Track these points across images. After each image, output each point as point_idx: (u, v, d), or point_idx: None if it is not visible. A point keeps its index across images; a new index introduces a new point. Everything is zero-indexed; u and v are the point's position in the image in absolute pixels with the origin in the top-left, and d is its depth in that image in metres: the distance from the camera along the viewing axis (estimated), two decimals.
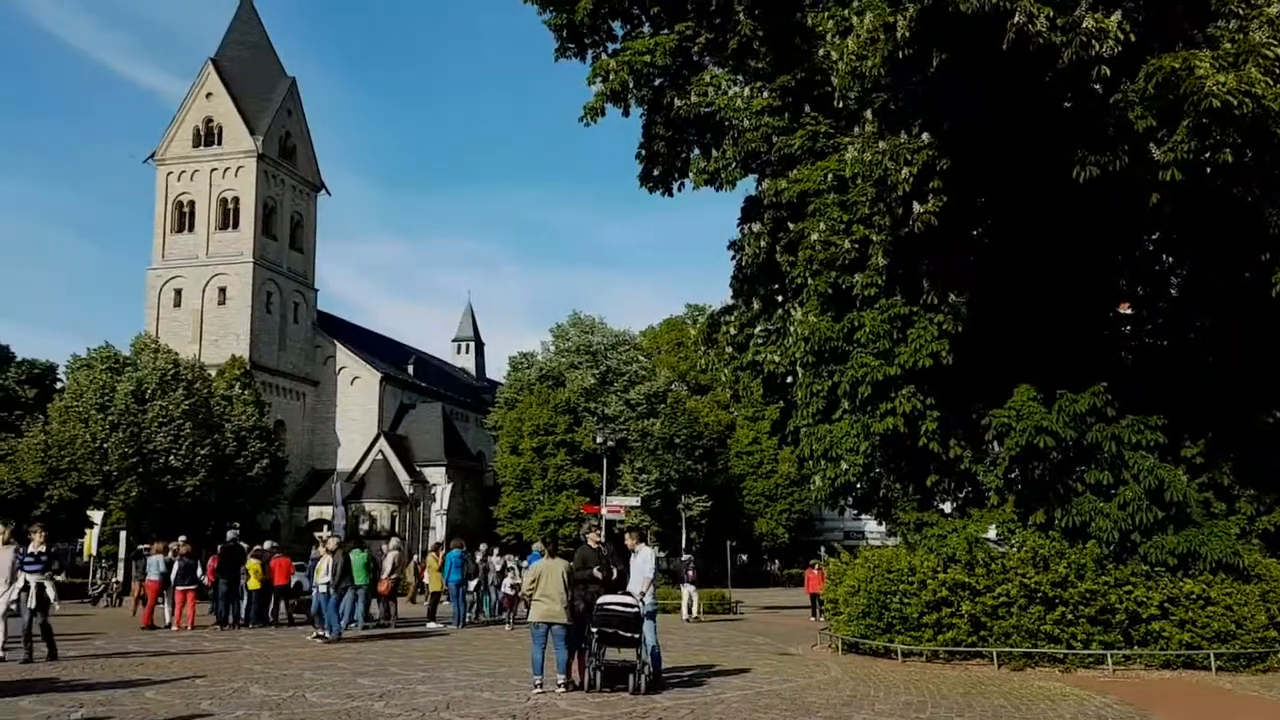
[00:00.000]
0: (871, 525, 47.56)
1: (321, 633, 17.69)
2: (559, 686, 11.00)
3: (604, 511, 34.35)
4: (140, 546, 29.35)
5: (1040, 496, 14.74)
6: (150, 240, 62.35)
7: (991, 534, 15.41)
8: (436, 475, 62.31)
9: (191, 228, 61.85)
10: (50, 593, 13.81)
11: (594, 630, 11.13)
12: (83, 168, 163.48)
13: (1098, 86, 12.08)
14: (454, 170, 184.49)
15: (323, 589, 17.81)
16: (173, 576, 20.68)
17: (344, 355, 66.08)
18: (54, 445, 42.85)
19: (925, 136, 13.01)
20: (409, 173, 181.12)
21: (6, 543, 14.04)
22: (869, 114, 13.82)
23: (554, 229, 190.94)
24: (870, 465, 15.73)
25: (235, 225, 61.40)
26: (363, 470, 61.49)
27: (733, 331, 17.23)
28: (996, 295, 14.94)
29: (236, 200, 61.73)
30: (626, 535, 12.76)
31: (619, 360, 54.75)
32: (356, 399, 65.32)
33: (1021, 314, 15.11)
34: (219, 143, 62.41)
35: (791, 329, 15.35)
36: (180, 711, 9.58)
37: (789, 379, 16.37)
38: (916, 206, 13.15)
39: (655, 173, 17.30)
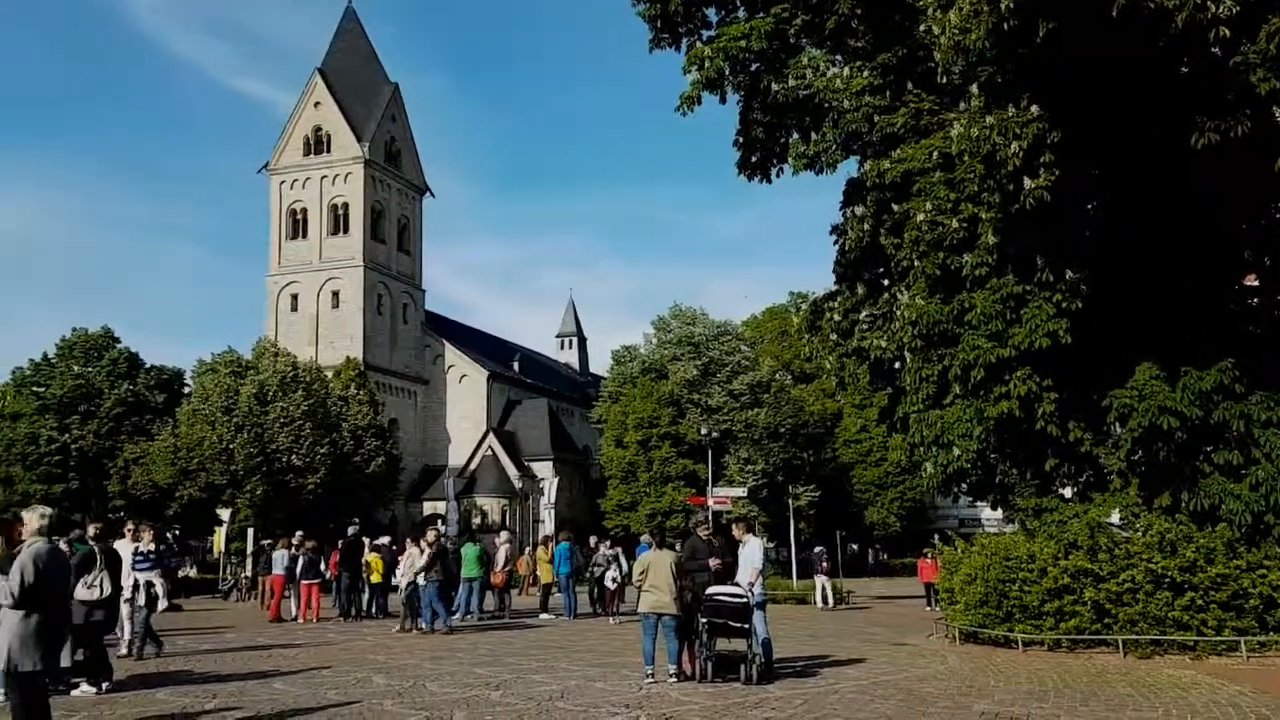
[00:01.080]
0: (987, 512, 46.29)
1: (419, 625, 17.99)
2: (670, 677, 11.01)
3: (710, 503, 34.30)
4: (263, 542, 30.57)
5: (1165, 479, 14.09)
6: (267, 248, 64.86)
7: (1114, 518, 14.83)
8: (544, 469, 63.23)
9: (305, 234, 64.05)
10: (158, 590, 14.21)
11: (704, 621, 11.10)
12: (201, 181, 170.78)
13: (1216, 49, 11.44)
14: (553, 168, 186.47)
15: (423, 583, 18.05)
16: (297, 571, 21.45)
17: (452, 354, 67.55)
18: (183, 447, 44.91)
19: (1034, 109, 12.54)
20: (509, 172, 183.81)
21: (134, 539, 14.58)
22: (974, 88, 13.39)
23: (653, 222, 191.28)
24: (984, 451, 15.28)
25: (345, 230, 63.36)
26: (473, 466, 62.77)
27: (837, 318, 16.93)
28: (1114, 271, 14.33)
29: (346, 206, 63.67)
30: (734, 526, 12.69)
31: (721, 351, 54.54)
32: (465, 396, 66.72)
33: (1141, 290, 14.45)
34: (328, 150, 64.44)
35: (898, 313, 15.01)
36: (307, 702, 9.92)
37: (897, 364, 16.02)
38: (1027, 182, 12.69)
39: (753, 159, 17.09)
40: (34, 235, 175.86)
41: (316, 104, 65.10)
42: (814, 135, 15.66)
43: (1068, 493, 16.20)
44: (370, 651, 14.77)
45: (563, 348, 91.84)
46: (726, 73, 15.71)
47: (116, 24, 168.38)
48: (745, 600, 11.14)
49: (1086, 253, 14.01)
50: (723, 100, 16.05)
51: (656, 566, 11.32)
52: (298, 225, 64.43)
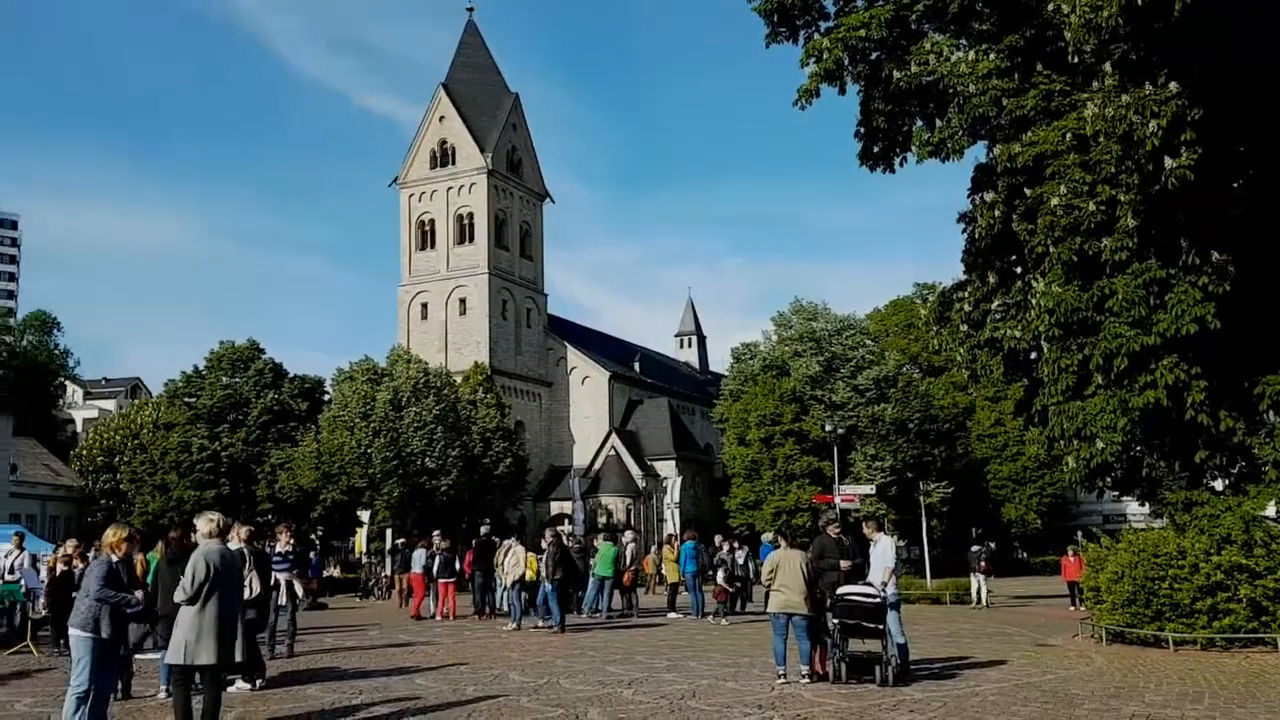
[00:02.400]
0: (1133, 507, 44.26)
1: (535, 623, 18.22)
2: (803, 678, 10.90)
3: (838, 500, 33.79)
4: (399, 542, 31.61)
5: None
6: (397, 259, 67.09)
7: (1270, 511, 14.01)
8: (667, 469, 63.45)
9: (433, 244, 66.00)
10: (298, 589, 14.75)
11: (836, 621, 10.95)
12: (335, 196, 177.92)
13: None
14: (671, 169, 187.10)
15: (549, 584, 18.23)
16: (434, 570, 22.11)
17: (574, 356, 68.52)
18: (325, 452, 46.82)
19: (1173, 86, 11.95)
20: (626, 174, 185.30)
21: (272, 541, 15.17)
22: (1107, 67, 12.83)
23: (771, 218, 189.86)
24: (1130, 443, 14.60)
25: (471, 239, 65.02)
26: (597, 466, 63.50)
27: (967, 308, 16.44)
28: (1264, 251, 13.50)
29: (471, 215, 65.35)
30: (865, 524, 12.48)
31: (844, 345, 53.66)
32: (588, 397, 67.58)
33: None
34: (453, 162, 66.24)
35: (1033, 301, 14.47)
36: (448, 697, 10.22)
37: (1033, 355, 15.47)
38: (1168, 161, 12.09)
39: (875, 149, 16.76)
40: (182, 253, 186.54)
41: (441, 118, 67.00)
42: (939, 122, 15.24)
43: (1219, 485, 15.35)
44: (505, 649, 15.11)
45: (682, 346, 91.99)
46: (845, 63, 15.45)
47: (254, 50, 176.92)
48: (879, 600, 10.95)
49: (1233, 233, 13.24)
50: (842, 91, 15.79)
51: (786, 566, 11.21)
52: (426, 236, 66.42)
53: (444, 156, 66.60)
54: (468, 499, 47.92)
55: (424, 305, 65.06)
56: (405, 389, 47.73)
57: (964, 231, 16.94)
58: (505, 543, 20.21)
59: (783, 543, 11.83)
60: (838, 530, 12.55)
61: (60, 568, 14.91)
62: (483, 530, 23.84)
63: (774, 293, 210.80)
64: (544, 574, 18.30)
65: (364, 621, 21.63)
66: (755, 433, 51.24)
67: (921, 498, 35.98)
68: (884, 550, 11.90)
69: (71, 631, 7.64)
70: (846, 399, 51.49)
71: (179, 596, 7.59)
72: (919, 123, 16.12)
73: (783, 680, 10.87)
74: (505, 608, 22.32)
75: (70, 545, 15.80)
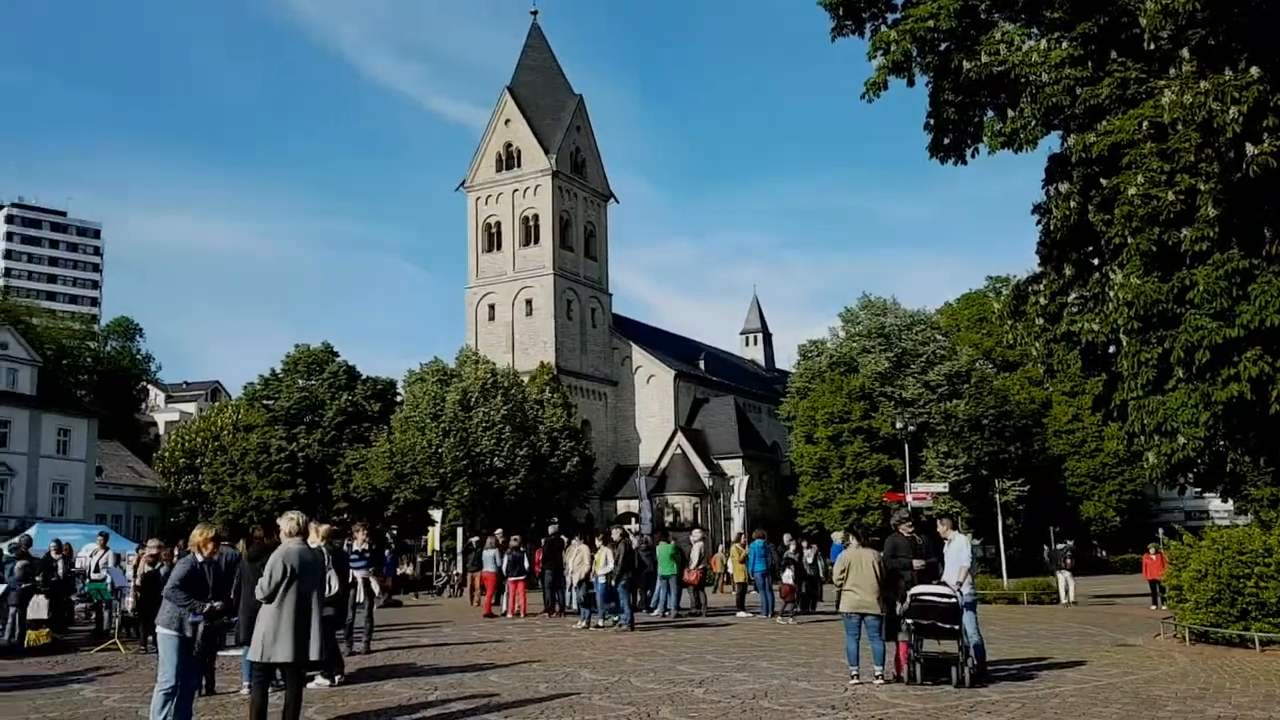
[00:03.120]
0: (1216, 504, 42.98)
1: (596, 622, 18.20)
2: (876, 678, 10.77)
3: (909, 498, 33.35)
4: (471, 540, 31.99)
5: None
6: (465, 261, 67.97)
7: None
8: (733, 467, 63.23)
9: (499, 246, 66.70)
10: (374, 587, 14.98)
11: (910, 622, 10.81)
12: (404, 199, 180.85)
13: None
14: (735, 164, 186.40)
15: (603, 580, 18.32)
16: (504, 568, 22.34)
17: (639, 355, 68.67)
18: (397, 452, 47.64)
19: (1254, 71, 11.56)
20: (691, 171, 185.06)
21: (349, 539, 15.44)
22: (1185, 53, 12.46)
23: (838, 213, 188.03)
24: (1213, 438, 14.16)
25: (536, 241, 65.57)
26: (663, 465, 63.54)
27: (1043, 301, 16.08)
28: None
29: (536, 217, 65.89)
30: (939, 522, 12.28)
31: (914, 341, 52.89)
32: (653, 396, 67.66)
33: None
34: (518, 165, 66.87)
35: (1111, 294, 14.11)
36: (521, 694, 10.33)
37: (1111, 348, 15.08)
38: (1249, 148, 11.70)
39: (946, 141, 16.49)
40: (258, 257, 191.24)
41: (507, 121, 67.67)
42: (1010, 112, 14.94)
43: None
44: (575, 647, 15.21)
45: (747, 344, 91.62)
46: (914, 55, 15.24)
47: (326, 56, 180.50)
48: (954, 600, 10.78)
49: None
50: (910, 83, 15.58)
51: (857, 565, 11.10)
52: (492, 238, 67.15)
53: (509, 159, 67.25)
54: (535, 498, 48.34)
55: (491, 306, 65.78)
56: (474, 389, 48.32)
57: (1038, 223, 16.59)
58: (573, 541, 20.35)
59: (854, 542, 11.71)
60: (910, 529, 12.39)
61: (145, 568, 15.38)
62: (551, 529, 24.01)
63: (841, 288, 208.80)
64: (597, 572, 18.36)
65: (437, 619, 21.95)
66: (823, 430, 50.78)
67: (996, 495, 35.32)
68: (959, 549, 11.71)
69: (158, 629, 7.89)
70: (917, 395, 50.75)
71: (258, 595, 7.77)
72: (990, 113, 15.83)
73: (856, 681, 10.76)
74: (575, 606, 22.50)
75: (154, 545, 16.28)
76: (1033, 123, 14.67)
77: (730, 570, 24.49)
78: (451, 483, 46.18)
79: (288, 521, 8.15)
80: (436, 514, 40.83)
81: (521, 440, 47.99)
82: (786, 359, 74.42)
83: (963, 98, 15.80)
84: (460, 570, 33.14)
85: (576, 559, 19.13)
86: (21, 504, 45.11)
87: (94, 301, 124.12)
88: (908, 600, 10.90)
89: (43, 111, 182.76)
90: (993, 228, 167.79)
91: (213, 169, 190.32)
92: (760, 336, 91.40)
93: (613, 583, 18.36)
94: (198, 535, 8.20)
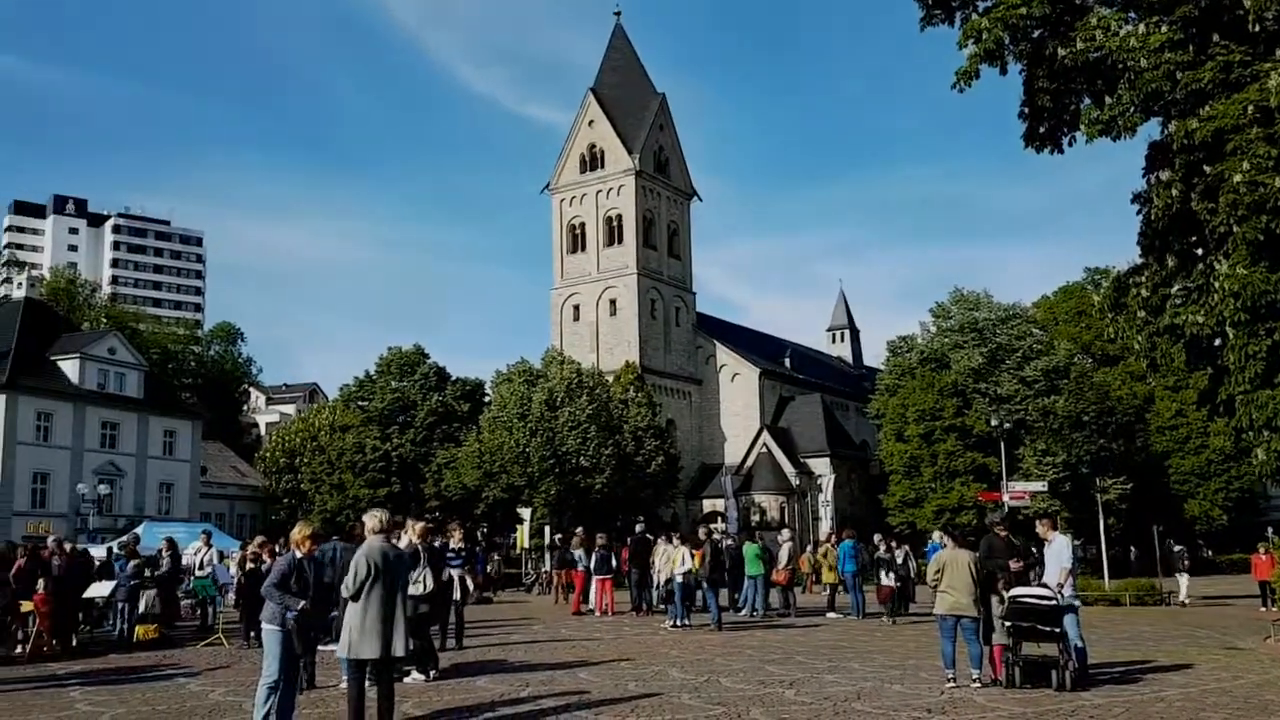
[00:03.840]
0: None
1: (679, 622, 18.12)
2: (973, 682, 10.52)
3: (1005, 498, 32.53)
4: (555, 537, 32.27)
5: None
6: (550, 263, 68.64)
7: None
8: (820, 466, 62.54)
9: (583, 247, 67.15)
10: (469, 584, 15.18)
11: (1009, 624, 10.53)
12: (492, 204, 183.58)
13: None
14: (820, 159, 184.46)
15: (679, 578, 18.27)
16: (592, 566, 22.49)
17: (723, 353, 68.40)
18: (486, 452, 48.36)
19: None
20: (775, 167, 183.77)
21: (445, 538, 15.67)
22: None
23: (927, 206, 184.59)
24: None
25: (620, 241, 65.82)
26: (749, 463, 63.19)
27: (1144, 293, 15.48)
28: None
29: (619, 217, 66.16)
30: (1038, 522, 11.92)
31: (1009, 335, 51.52)
32: (738, 395, 67.31)
33: None
34: (602, 166, 67.23)
35: (1216, 284, 13.52)
36: (611, 692, 10.37)
37: (1217, 341, 14.46)
38: None
39: (1041, 130, 15.98)
40: (350, 261, 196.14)
41: (590, 122, 68.06)
42: (1108, 99, 14.40)
43: None
44: (663, 646, 15.21)
45: (834, 341, 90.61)
46: (1006, 42, 14.79)
47: (420, 61, 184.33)
48: (1054, 602, 10.48)
49: None
50: (1003, 72, 15.14)
51: (953, 566, 10.85)
52: (577, 239, 67.64)
53: (593, 160, 67.66)
54: (621, 496, 48.53)
55: (575, 307, 66.28)
56: (559, 390, 48.75)
57: (1139, 212, 15.98)
58: (659, 540, 20.38)
59: (949, 542, 11.46)
60: (1006, 529, 12.08)
61: (249, 564, 15.89)
62: (638, 528, 24.09)
63: (931, 283, 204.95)
64: (675, 570, 18.27)
65: (526, 616, 22.21)
66: (914, 428, 49.88)
67: (1098, 494, 34.18)
68: (1059, 550, 11.37)
69: (263, 625, 8.13)
70: (1013, 391, 49.45)
71: (344, 592, 7.89)
72: (1087, 100, 15.28)
73: (952, 684, 10.54)
74: (662, 605, 22.52)
75: (257, 542, 16.83)
76: (1131, 109, 14.12)
77: (819, 571, 24.21)
78: (539, 481, 46.68)
79: (372, 519, 8.25)
80: (525, 512, 41.32)
81: (607, 439, 48.24)
82: (875, 356, 73.30)
83: (1058, 85, 15.29)
84: (548, 568, 33.48)
85: (664, 558, 19.14)
86: (130, 503, 47.06)
87: (197, 307, 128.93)
88: (1006, 602, 10.63)
89: (145, 123, 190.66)
90: (1091, 218, 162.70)
91: (308, 176, 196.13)
92: (847, 333, 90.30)
93: (695, 581, 18.32)
94: (297, 533, 8.39)
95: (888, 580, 20.65)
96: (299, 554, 8.22)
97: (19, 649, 14.54)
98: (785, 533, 25.64)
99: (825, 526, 53.00)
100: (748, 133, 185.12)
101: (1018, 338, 51.43)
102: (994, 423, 37.79)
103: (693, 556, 18.54)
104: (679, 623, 18.15)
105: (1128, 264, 16.99)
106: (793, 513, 60.24)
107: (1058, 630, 10.39)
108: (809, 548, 28.49)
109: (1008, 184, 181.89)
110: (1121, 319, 16.15)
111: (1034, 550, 12.31)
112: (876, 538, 24.43)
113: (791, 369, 72.09)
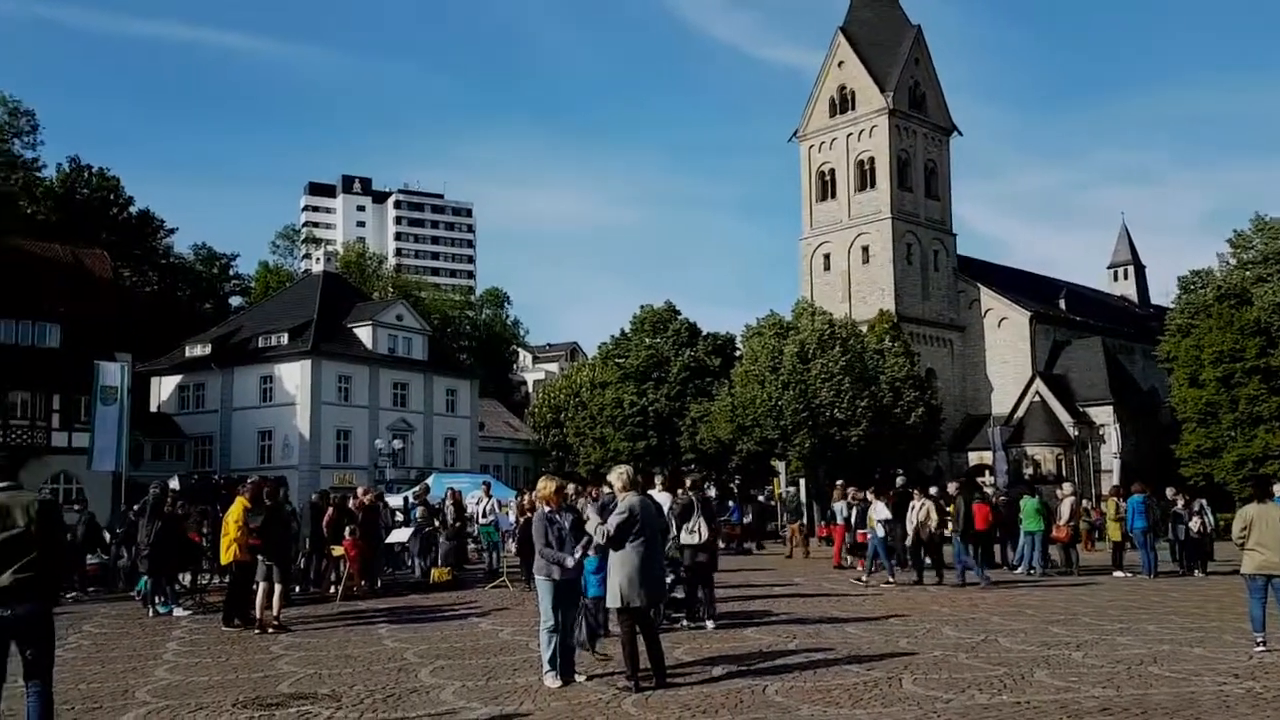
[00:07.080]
0: None
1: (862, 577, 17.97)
2: None
3: None
4: (793, 490, 31.86)
5: None
6: (798, 212, 67.67)
7: None
8: (1102, 415, 58.31)
9: (833, 194, 65.59)
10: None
11: None
12: (737, 155, 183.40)
13: None
14: (1097, 78, 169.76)
15: (880, 532, 18.15)
16: (851, 520, 22.11)
17: (988, 297, 64.96)
18: (738, 406, 48.69)
19: None
20: (1045, 90, 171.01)
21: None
22: None
23: (1221, 123, 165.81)
24: None
25: (872, 185, 63.71)
26: (1019, 414, 59.92)
27: None
28: None
29: (871, 160, 63.98)
30: None
31: None
32: (1005, 340, 63.84)
33: None
34: (852, 108, 65.11)
35: None
36: (881, 648, 10.17)
37: None
38: None
39: None
40: (603, 223, 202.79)
41: (840, 63, 66.00)
42: None
43: None
44: (932, 602, 14.76)
45: (1116, 279, 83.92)
46: None
47: (659, 12, 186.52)
48: None
49: None
50: None
51: (1263, 521, 9.79)
52: (826, 186, 66.15)
53: (843, 103, 65.70)
54: (879, 450, 47.46)
55: (826, 256, 65.01)
56: (811, 341, 48.15)
57: None
58: (915, 494, 19.79)
59: (1258, 496, 10.31)
60: None
61: (526, 513, 16.87)
62: (898, 482, 23.42)
63: (1228, 211, 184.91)
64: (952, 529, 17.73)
65: (786, 567, 22.24)
66: (1210, 371, 45.43)
67: None
68: None
69: (535, 575, 8.62)
70: None
71: (598, 540, 8.20)
72: None
73: (1262, 649, 9.55)
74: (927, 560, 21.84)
75: (533, 493, 17.84)
76: None
77: (1100, 528, 22.62)
78: (792, 435, 46.48)
79: (618, 477, 8.45)
80: (780, 465, 41.30)
81: (862, 391, 47.23)
82: (1163, 294, 67.31)
83: None
84: (804, 521, 33.30)
85: (923, 512, 18.57)
86: (420, 456, 51.34)
87: (470, 275, 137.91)
88: None
89: (414, 101, 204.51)
90: None
91: (562, 142, 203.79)
92: (1131, 269, 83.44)
93: (951, 537, 17.80)
94: (542, 488, 8.69)
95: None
96: (547, 509, 8.55)
97: (332, 589, 16.22)
98: (1067, 486, 24.11)
99: (1111, 479, 49.47)
100: (1016, 55, 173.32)
101: None
102: None
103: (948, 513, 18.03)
104: (866, 579, 17.93)
105: None
106: (1070, 465, 56.66)
107: None
108: (1086, 503, 26.69)
109: None
110: None
111: None
112: (1169, 491, 22.45)
113: (1066, 311, 67.51)
